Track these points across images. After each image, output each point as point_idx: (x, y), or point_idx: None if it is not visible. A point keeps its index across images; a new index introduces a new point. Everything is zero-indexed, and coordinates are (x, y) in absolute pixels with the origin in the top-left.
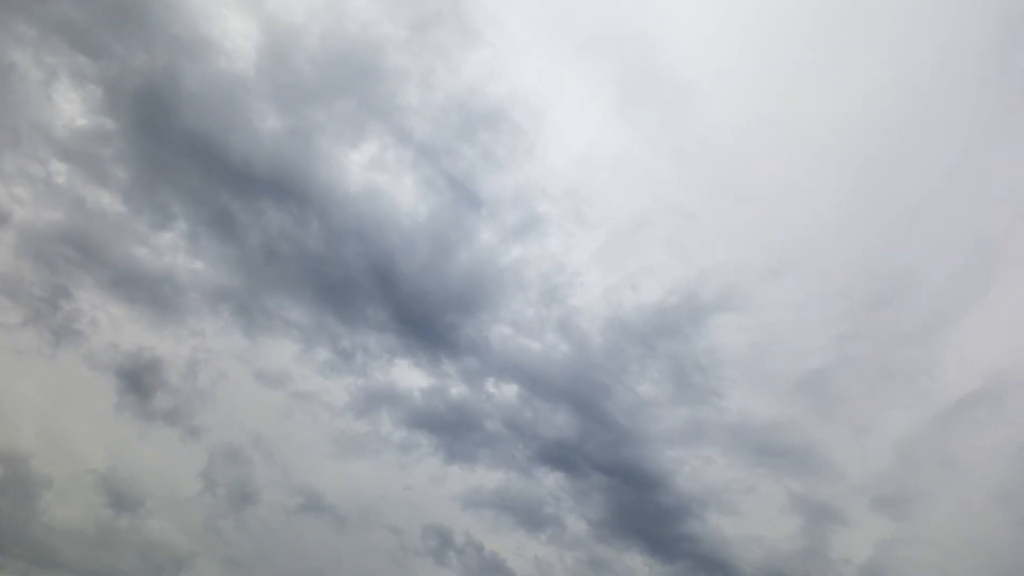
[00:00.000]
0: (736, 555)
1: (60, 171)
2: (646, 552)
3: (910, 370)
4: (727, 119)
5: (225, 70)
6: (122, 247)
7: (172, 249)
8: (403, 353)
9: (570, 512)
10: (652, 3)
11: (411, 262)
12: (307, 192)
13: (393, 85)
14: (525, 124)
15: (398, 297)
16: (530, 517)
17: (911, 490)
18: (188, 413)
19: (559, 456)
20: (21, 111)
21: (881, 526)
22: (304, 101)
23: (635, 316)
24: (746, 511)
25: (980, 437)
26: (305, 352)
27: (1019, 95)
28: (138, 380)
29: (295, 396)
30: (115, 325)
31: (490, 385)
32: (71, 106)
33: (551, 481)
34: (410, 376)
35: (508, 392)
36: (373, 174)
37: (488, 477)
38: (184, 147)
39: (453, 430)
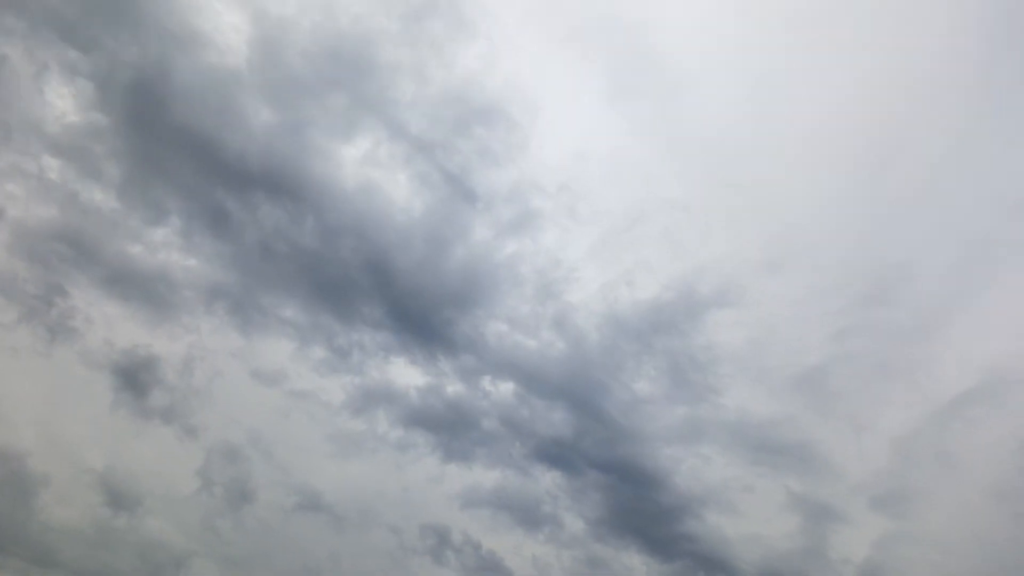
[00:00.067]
0: (735, 554)
1: (53, 167)
2: (644, 551)
3: (908, 366)
4: (721, 112)
5: (217, 64)
6: (116, 244)
7: (166, 246)
8: (399, 351)
9: (567, 511)
10: None
11: (406, 258)
12: (301, 188)
13: (386, 79)
14: (519, 117)
15: (393, 294)
16: (528, 516)
17: (909, 487)
18: (184, 412)
19: (556, 454)
20: (12, 106)
21: (879, 524)
22: (297, 96)
23: (631, 312)
24: (744, 510)
25: (978, 434)
26: (301, 350)
27: (1016, 89)
28: (134, 378)
29: (291, 395)
30: (110, 323)
31: (486, 383)
32: (63, 101)
33: (548, 480)
34: (406, 374)
35: (504, 390)
36: (367, 169)
37: (485, 476)
38: (177, 142)
39: (450, 429)
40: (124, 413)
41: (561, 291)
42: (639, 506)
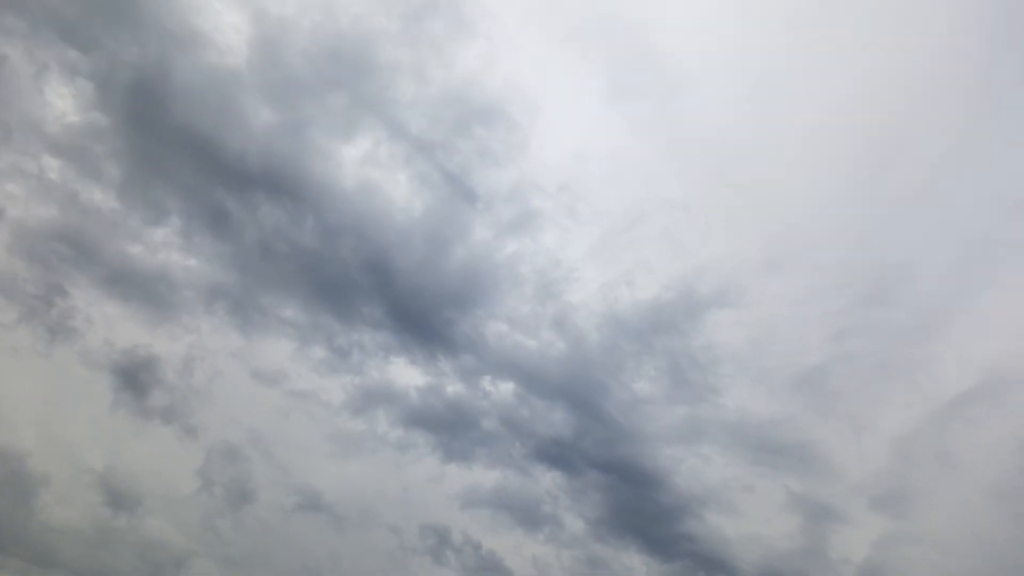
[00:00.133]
0: (735, 554)
1: (53, 167)
2: (644, 551)
3: (908, 366)
4: (721, 111)
5: (217, 64)
6: (116, 244)
7: (166, 246)
8: (399, 351)
9: (567, 511)
10: None
11: (406, 258)
12: (301, 188)
13: (386, 79)
14: (519, 117)
15: (393, 294)
16: (528, 516)
17: (909, 487)
18: (184, 412)
19: (556, 455)
20: (12, 106)
21: (879, 524)
22: (297, 96)
23: (631, 312)
24: (744, 510)
25: (978, 434)
26: (301, 350)
27: (1015, 89)
28: (134, 378)
29: (291, 395)
30: (110, 323)
31: (486, 383)
32: (63, 101)
33: (548, 480)
34: (406, 374)
35: (504, 390)
36: (367, 169)
37: (485, 476)
38: (177, 142)
39: (450, 429)
40: (124, 413)
41: (561, 291)
42: (639, 506)
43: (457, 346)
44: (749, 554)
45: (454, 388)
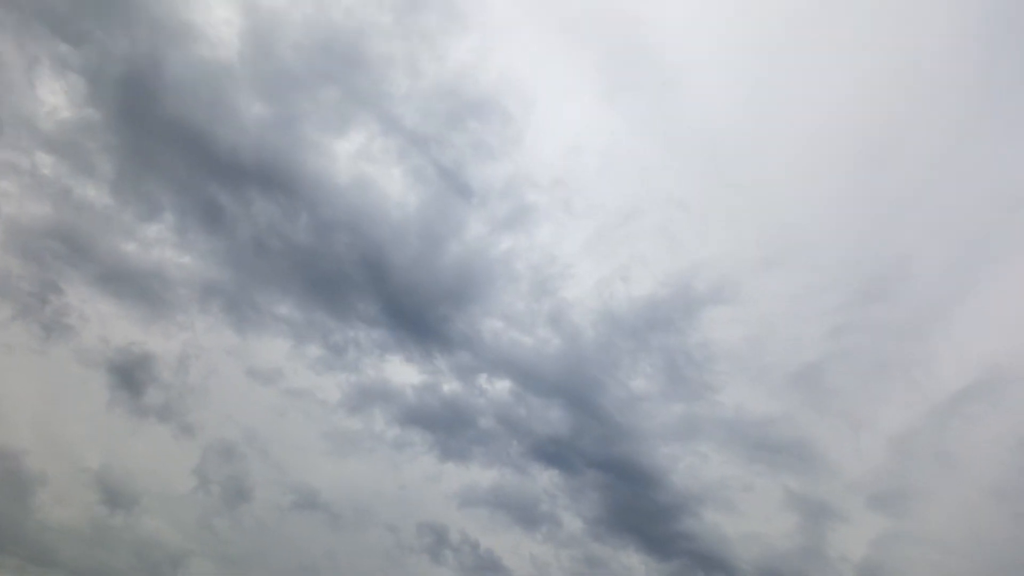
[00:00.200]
0: (733, 553)
1: (46, 163)
2: (642, 550)
3: (906, 364)
4: (718, 107)
5: (208, 58)
6: (110, 241)
7: (160, 242)
8: (395, 348)
9: (565, 510)
10: None
11: (401, 254)
12: (295, 183)
13: (379, 72)
14: (513, 111)
15: (389, 290)
16: (525, 515)
17: (907, 486)
18: (180, 410)
19: (553, 453)
20: (4, 101)
21: (877, 522)
22: (289, 89)
23: (627, 309)
24: (742, 508)
25: (977, 432)
26: (296, 348)
27: (1014, 87)
28: (129, 376)
29: (287, 393)
30: (104, 320)
31: (483, 381)
32: (54, 97)
33: (546, 478)
34: (402, 372)
35: (500, 388)
36: (361, 164)
37: (482, 475)
38: (169, 137)
39: (447, 427)
40: (120, 411)
41: (556, 287)
42: (637, 505)
43: (453, 343)
44: (747, 553)
45: (450, 386)
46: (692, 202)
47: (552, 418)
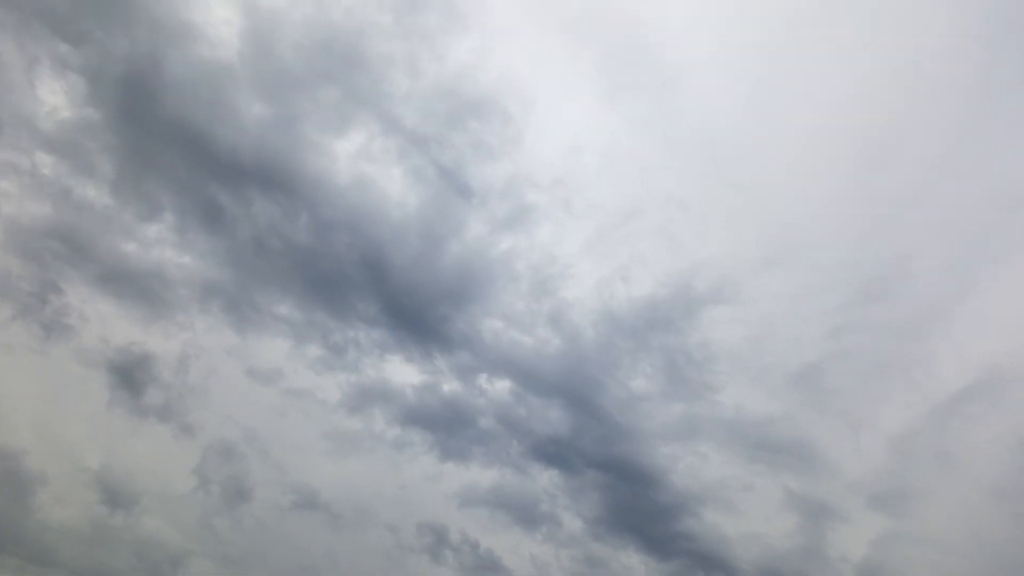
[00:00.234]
0: (733, 553)
1: (46, 163)
2: (643, 550)
3: (906, 364)
4: (718, 107)
5: (208, 58)
6: (110, 241)
7: (160, 242)
8: (395, 348)
9: (565, 510)
10: None
11: (401, 254)
12: (295, 183)
13: (379, 72)
14: (513, 111)
15: (388, 290)
16: (525, 515)
17: (907, 486)
18: (180, 410)
19: (553, 453)
20: (4, 101)
21: (878, 523)
22: (289, 89)
23: (627, 309)
24: (742, 508)
25: (977, 432)
26: (296, 348)
27: (1014, 87)
28: (129, 376)
29: (287, 393)
30: (104, 320)
31: (483, 381)
32: (54, 97)
33: (546, 478)
34: (402, 372)
35: (500, 388)
36: (361, 164)
37: (482, 475)
38: (169, 137)
39: (447, 427)
40: (120, 411)
41: (556, 287)
42: (637, 505)
43: (453, 343)
44: (747, 553)
45: (450, 386)
46: (692, 202)
47: (552, 418)
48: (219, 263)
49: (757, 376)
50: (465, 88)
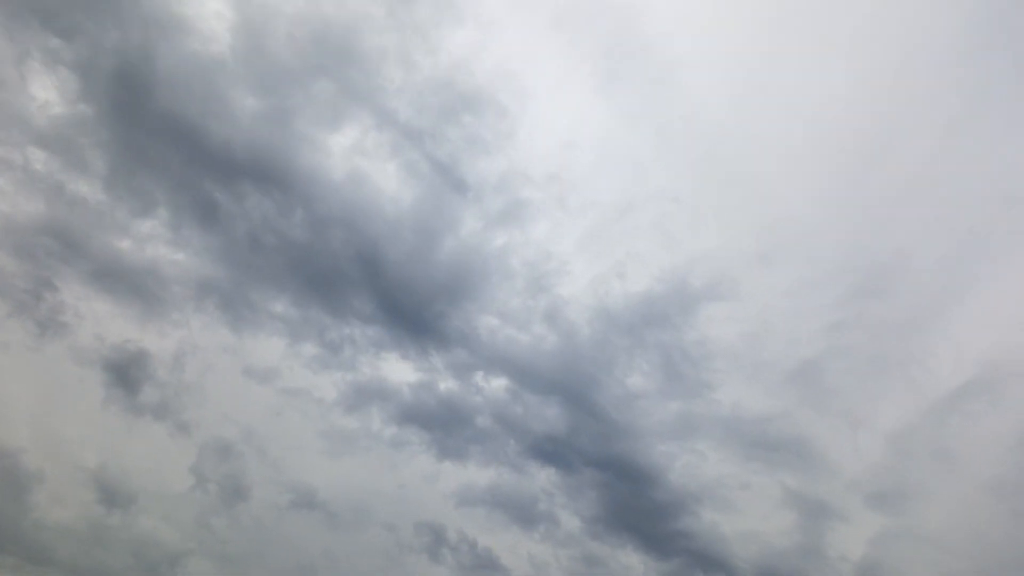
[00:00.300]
0: (731, 551)
1: (38, 159)
2: (641, 549)
3: (904, 360)
4: (712, 101)
5: (200, 51)
6: (103, 238)
7: (153, 239)
8: (391, 346)
9: (563, 509)
10: None
11: (396, 250)
12: (289, 178)
13: (372, 66)
14: (507, 104)
15: (384, 286)
16: (523, 514)
17: (906, 484)
18: (176, 408)
19: (551, 451)
20: None
21: (876, 521)
22: (282, 83)
23: (622, 306)
24: (740, 506)
25: (975, 429)
26: (292, 346)
27: (1011, 80)
28: (125, 374)
29: (284, 392)
30: (99, 318)
31: (479, 378)
32: (45, 92)
33: (543, 477)
34: (399, 369)
35: (497, 386)
36: (355, 159)
37: (480, 474)
38: (162, 132)
39: (444, 426)
40: (116, 409)
41: (552, 284)
42: (635, 503)
43: (449, 340)
44: (745, 551)
45: (447, 385)
46: (687, 197)
47: (549, 416)
48: (214, 260)
49: (754, 373)
50: (459, 82)
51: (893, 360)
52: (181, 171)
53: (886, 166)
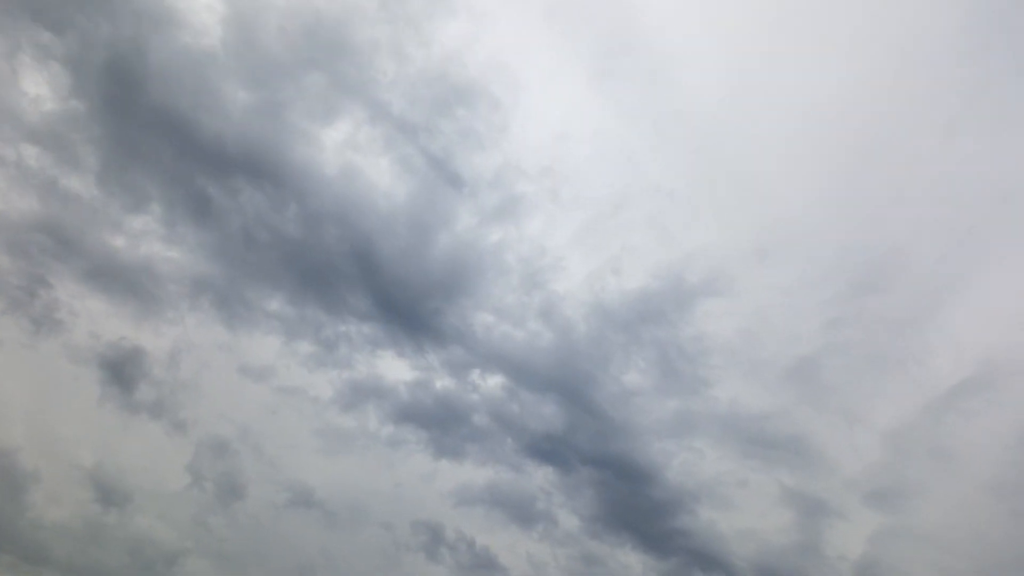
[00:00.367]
0: (729, 550)
1: (31, 155)
2: (639, 548)
3: (902, 357)
4: (709, 94)
5: (191, 45)
6: (97, 234)
7: (147, 235)
8: (387, 343)
9: (561, 507)
10: None
11: (391, 246)
12: (282, 173)
13: (364, 58)
14: (501, 97)
15: (379, 283)
16: (521, 512)
17: (904, 482)
18: (172, 406)
19: (548, 450)
20: None
21: (874, 519)
22: (274, 77)
23: (618, 302)
24: (738, 504)
25: (974, 426)
26: (287, 344)
27: (1009, 76)
28: (120, 372)
29: (279, 390)
30: (94, 315)
31: (475, 376)
32: (37, 87)
33: (540, 476)
34: (394, 367)
35: (493, 383)
36: (348, 153)
37: (477, 472)
38: (154, 126)
39: (440, 424)
40: (111, 407)
41: (547, 280)
42: (633, 502)
43: (445, 337)
44: (743, 549)
45: (443, 383)
46: (682, 191)
47: (545, 414)
48: (208, 256)
49: (751, 370)
50: (452, 74)
51: (891, 358)
52: (174, 166)
53: (884, 163)
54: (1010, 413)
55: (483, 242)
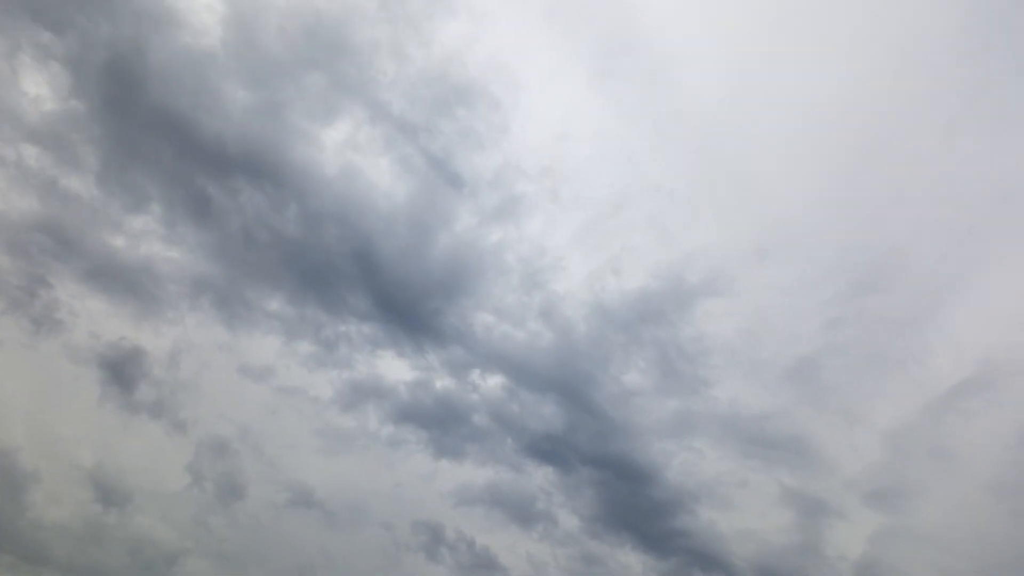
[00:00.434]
0: (729, 550)
1: (31, 155)
2: (639, 548)
3: (902, 357)
4: (708, 93)
5: (191, 45)
6: (97, 234)
7: (147, 235)
8: (387, 343)
9: (561, 507)
10: None
11: (391, 246)
12: (282, 173)
13: (364, 58)
14: (501, 97)
15: (379, 283)
16: (521, 512)
17: (904, 482)
18: (172, 406)
19: (548, 450)
20: None
21: (874, 519)
22: (274, 77)
23: (618, 302)
24: (738, 505)
25: (974, 426)
26: (287, 344)
27: (1009, 75)
28: (120, 372)
29: (279, 390)
30: (94, 315)
31: (475, 376)
32: (37, 87)
33: (540, 476)
34: (394, 367)
35: (493, 383)
36: (348, 153)
37: (477, 472)
38: (154, 126)
39: (440, 424)
40: (111, 407)
41: (547, 280)
42: (633, 502)
43: (445, 337)
44: (743, 550)
45: (443, 383)
46: (682, 191)
47: (545, 414)
48: (208, 257)
49: (751, 370)
50: (452, 74)
51: (891, 358)
52: (174, 166)
53: (884, 163)
54: (1010, 413)
55: (483, 242)
